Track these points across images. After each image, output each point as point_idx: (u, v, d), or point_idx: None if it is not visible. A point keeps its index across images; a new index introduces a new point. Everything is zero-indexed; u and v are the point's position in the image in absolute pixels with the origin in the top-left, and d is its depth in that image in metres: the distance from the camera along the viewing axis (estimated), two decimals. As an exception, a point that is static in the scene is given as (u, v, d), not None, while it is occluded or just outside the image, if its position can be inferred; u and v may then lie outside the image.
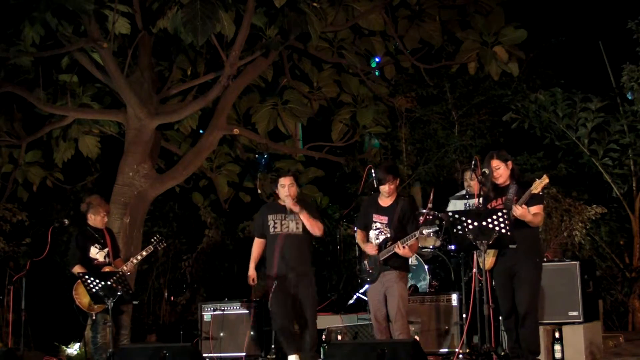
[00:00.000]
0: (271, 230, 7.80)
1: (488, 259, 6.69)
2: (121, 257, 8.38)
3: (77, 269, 7.94)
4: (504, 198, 6.75)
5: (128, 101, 9.90)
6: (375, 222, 7.42)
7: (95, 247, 8.09)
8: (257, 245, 7.97)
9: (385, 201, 7.43)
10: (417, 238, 7.21)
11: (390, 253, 7.24)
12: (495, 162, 6.82)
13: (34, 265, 8.41)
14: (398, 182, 7.47)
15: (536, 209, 6.65)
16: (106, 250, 8.10)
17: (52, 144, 11.22)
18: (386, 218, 7.37)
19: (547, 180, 6.50)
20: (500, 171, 6.81)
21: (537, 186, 6.52)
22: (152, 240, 8.27)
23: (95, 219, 8.15)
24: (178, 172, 10.59)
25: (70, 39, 9.62)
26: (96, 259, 8.06)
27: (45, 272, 11.08)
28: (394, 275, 7.28)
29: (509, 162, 6.84)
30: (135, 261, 8.13)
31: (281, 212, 7.81)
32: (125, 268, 7.96)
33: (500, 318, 7.43)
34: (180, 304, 11.77)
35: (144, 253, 8.13)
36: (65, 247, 11.26)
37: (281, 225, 7.78)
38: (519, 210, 6.52)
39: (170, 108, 10.64)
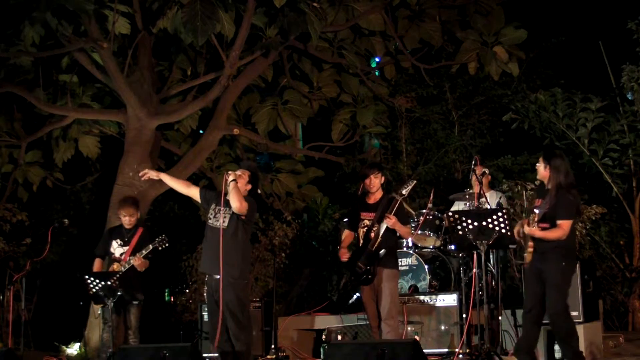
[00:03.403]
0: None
1: (527, 255, 6.64)
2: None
3: (96, 263, 8.03)
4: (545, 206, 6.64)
5: (128, 101, 9.90)
6: (364, 219, 7.45)
7: (117, 242, 8.10)
8: None
9: (371, 199, 7.49)
10: (399, 202, 7.18)
11: (383, 229, 7.20)
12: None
13: (34, 265, 8.41)
14: (384, 179, 7.50)
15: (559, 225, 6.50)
16: (126, 248, 8.04)
17: (52, 144, 11.22)
18: (373, 214, 7.39)
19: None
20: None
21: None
22: (156, 240, 8.23)
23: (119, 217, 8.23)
24: (178, 172, 10.56)
25: (70, 39, 9.62)
26: (113, 254, 8.09)
27: (46, 272, 11.09)
28: (385, 274, 7.30)
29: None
30: (131, 262, 7.99)
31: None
32: (122, 268, 7.88)
33: (500, 318, 7.48)
34: (180, 304, 11.74)
35: (144, 252, 8.08)
36: (65, 247, 11.29)
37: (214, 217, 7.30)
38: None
39: (170, 108, 10.63)
